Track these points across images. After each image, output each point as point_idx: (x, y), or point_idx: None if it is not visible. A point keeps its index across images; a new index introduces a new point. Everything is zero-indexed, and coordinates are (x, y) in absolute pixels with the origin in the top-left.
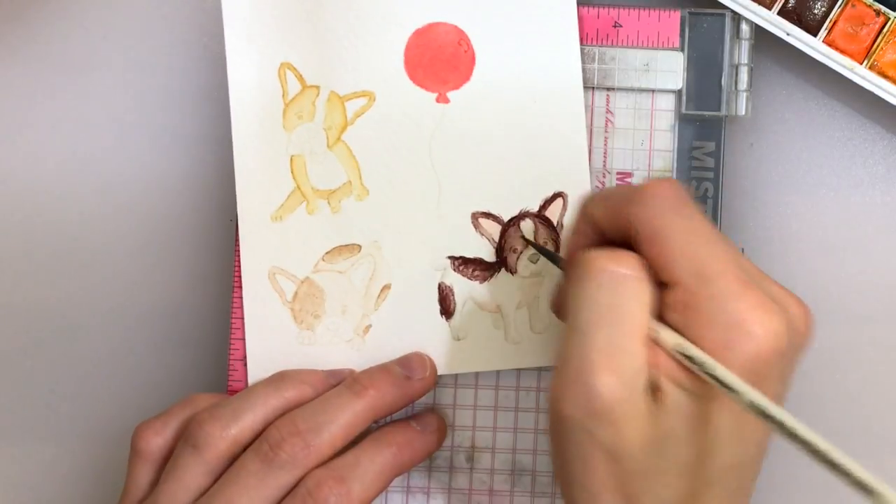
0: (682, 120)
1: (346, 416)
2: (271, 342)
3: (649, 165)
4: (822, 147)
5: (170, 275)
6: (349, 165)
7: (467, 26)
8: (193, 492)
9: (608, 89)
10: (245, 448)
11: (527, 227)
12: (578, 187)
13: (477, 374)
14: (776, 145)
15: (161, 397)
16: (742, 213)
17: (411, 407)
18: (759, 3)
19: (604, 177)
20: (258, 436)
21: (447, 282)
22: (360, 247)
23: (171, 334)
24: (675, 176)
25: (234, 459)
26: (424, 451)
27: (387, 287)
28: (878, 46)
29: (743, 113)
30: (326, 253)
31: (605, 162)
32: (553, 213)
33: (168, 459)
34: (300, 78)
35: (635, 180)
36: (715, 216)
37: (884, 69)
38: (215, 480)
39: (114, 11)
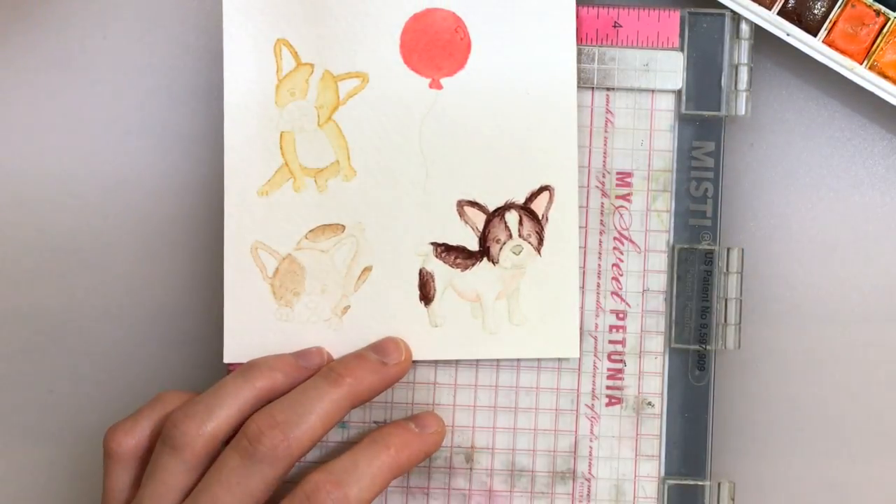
0: (682, 120)
1: (323, 406)
2: (250, 317)
3: (649, 165)
4: (822, 147)
5: (169, 274)
6: (338, 145)
7: (465, 14)
8: (177, 492)
9: (608, 89)
10: (223, 443)
11: (512, 217)
12: (566, 181)
13: (476, 375)
14: (776, 145)
15: None
16: (742, 213)
17: (410, 408)
18: (759, 3)
19: (604, 177)
20: (234, 429)
21: (428, 268)
22: (343, 227)
23: (169, 333)
24: (674, 176)
25: (213, 455)
26: (422, 452)
27: (368, 269)
28: (878, 46)
29: (743, 113)
30: (310, 231)
31: (604, 162)
32: (539, 205)
33: (142, 459)
34: (295, 55)
35: (635, 180)
36: (715, 216)
37: (884, 69)
38: (198, 477)
39: (114, 12)
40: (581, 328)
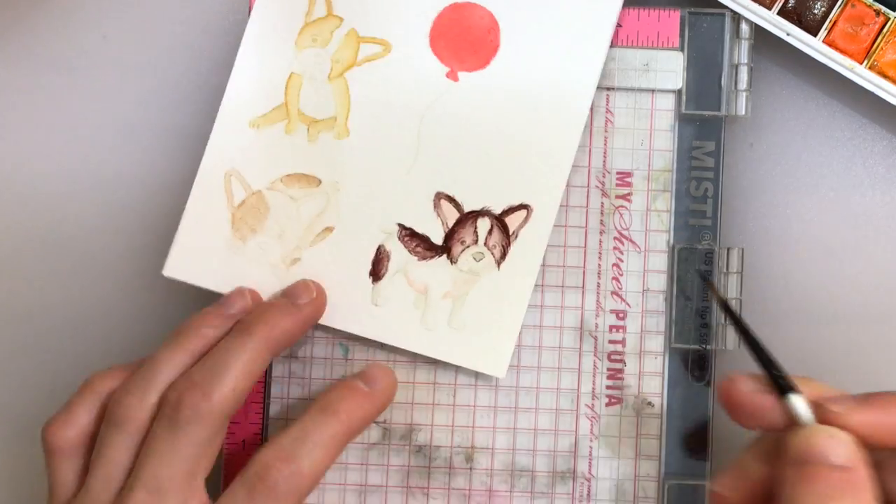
0: (682, 120)
1: (240, 358)
2: (202, 239)
3: (649, 165)
4: (822, 147)
5: None
6: (341, 103)
7: (502, 17)
8: (125, 469)
9: (608, 89)
10: None
11: (483, 224)
12: (547, 205)
13: (476, 374)
14: (776, 145)
15: None
16: (742, 213)
17: (411, 408)
18: (759, 3)
19: (604, 176)
20: None
21: (388, 247)
22: (319, 181)
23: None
24: (674, 176)
25: None
26: (375, 410)
27: (329, 229)
28: (878, 46)
29: (743, 113)
30: (286, 175)
31: (604, 162)
32: (513, 221)
33: (86, 447)
34: (328, 3)
35: (635, 180)
36: (715, 216)
37: (884, 69)
38: None
39: (114, 12)
40: (581, 328)
